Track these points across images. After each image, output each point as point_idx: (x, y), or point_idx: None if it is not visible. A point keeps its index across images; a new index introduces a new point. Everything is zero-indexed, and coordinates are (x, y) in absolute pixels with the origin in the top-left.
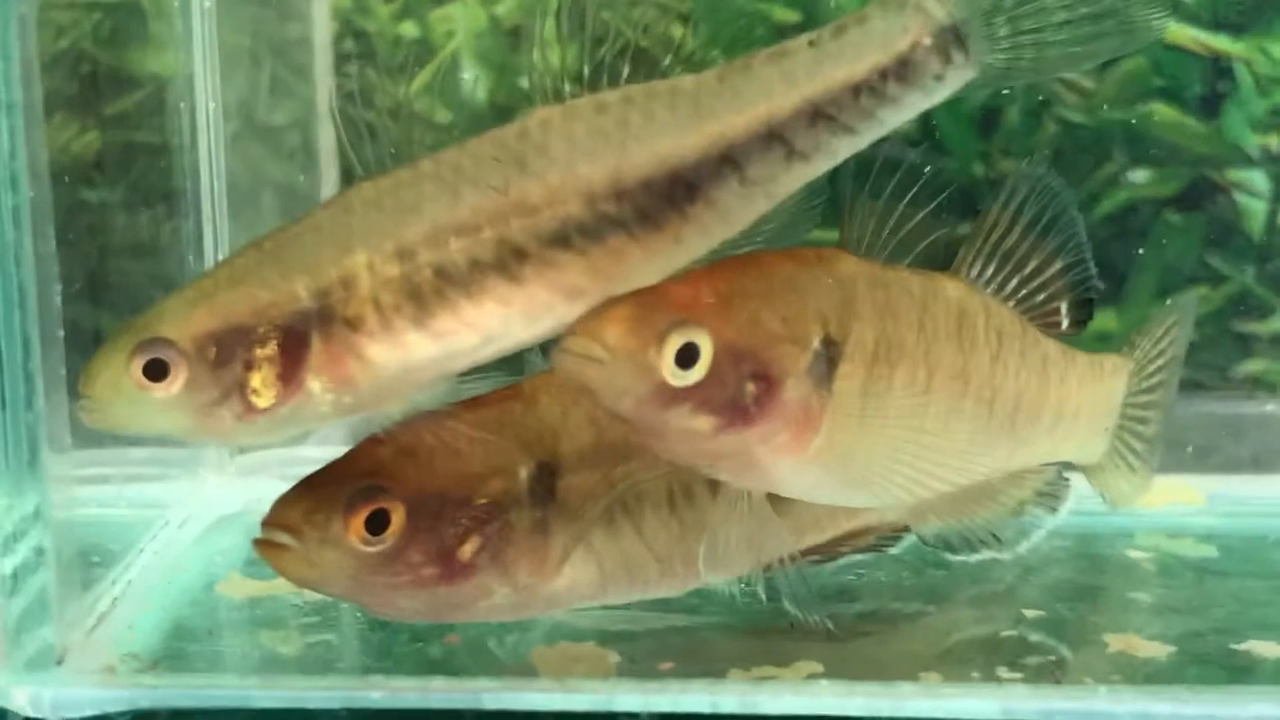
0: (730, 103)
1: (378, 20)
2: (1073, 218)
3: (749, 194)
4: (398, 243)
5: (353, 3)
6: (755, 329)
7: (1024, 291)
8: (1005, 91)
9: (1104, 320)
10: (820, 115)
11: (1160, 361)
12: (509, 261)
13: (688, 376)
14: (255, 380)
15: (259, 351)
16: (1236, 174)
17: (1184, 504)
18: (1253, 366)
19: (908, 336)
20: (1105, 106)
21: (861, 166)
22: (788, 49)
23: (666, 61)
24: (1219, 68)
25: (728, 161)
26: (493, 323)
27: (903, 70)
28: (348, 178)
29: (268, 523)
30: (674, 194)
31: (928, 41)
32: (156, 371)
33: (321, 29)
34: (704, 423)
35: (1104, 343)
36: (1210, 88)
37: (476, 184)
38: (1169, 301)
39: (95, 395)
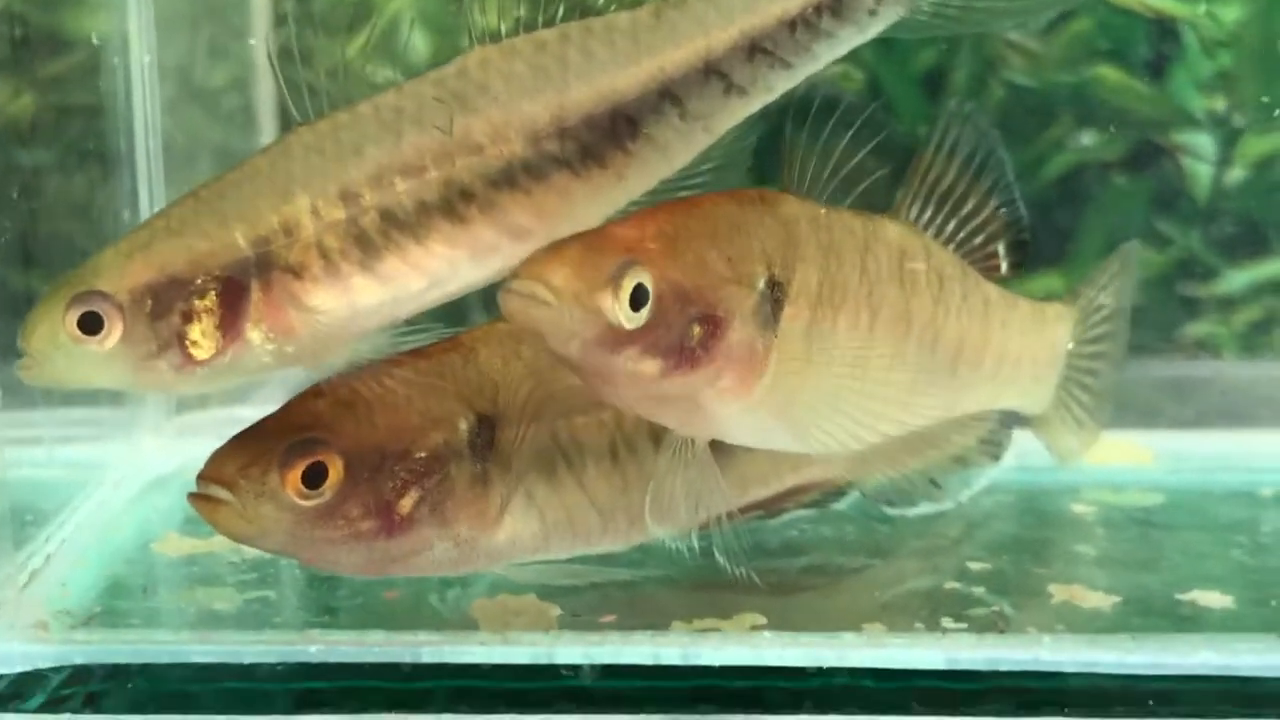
0: (668, 38)
1: None
2: (1000, 158)
3: (689, 129)
4: (340, 186)
5: None
6: (700, 269)
7: (963, 233)
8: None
9: (1050, 282)
10: (757, 49)
11: (1105, 312)
12: (454, 202)
13: (635, 318)
14: (194, 332)
15: (197, 303)
16: (1182, 137)
17: (1132, 462)
18: (1198, 329)
19: (851, 278)
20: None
21: (801, 108)
22: None
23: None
24: (1165, 30)
25: (667, 96)
26: (439, 265)
27: (837, 5)
28: None
29: (203, 477)
30: (616, 130)
31: None
32: (92, 325)
33: None
34: (651, 365)
35: None
36: (1156, 50)
37: (419, 124)
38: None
39: (33, 351)
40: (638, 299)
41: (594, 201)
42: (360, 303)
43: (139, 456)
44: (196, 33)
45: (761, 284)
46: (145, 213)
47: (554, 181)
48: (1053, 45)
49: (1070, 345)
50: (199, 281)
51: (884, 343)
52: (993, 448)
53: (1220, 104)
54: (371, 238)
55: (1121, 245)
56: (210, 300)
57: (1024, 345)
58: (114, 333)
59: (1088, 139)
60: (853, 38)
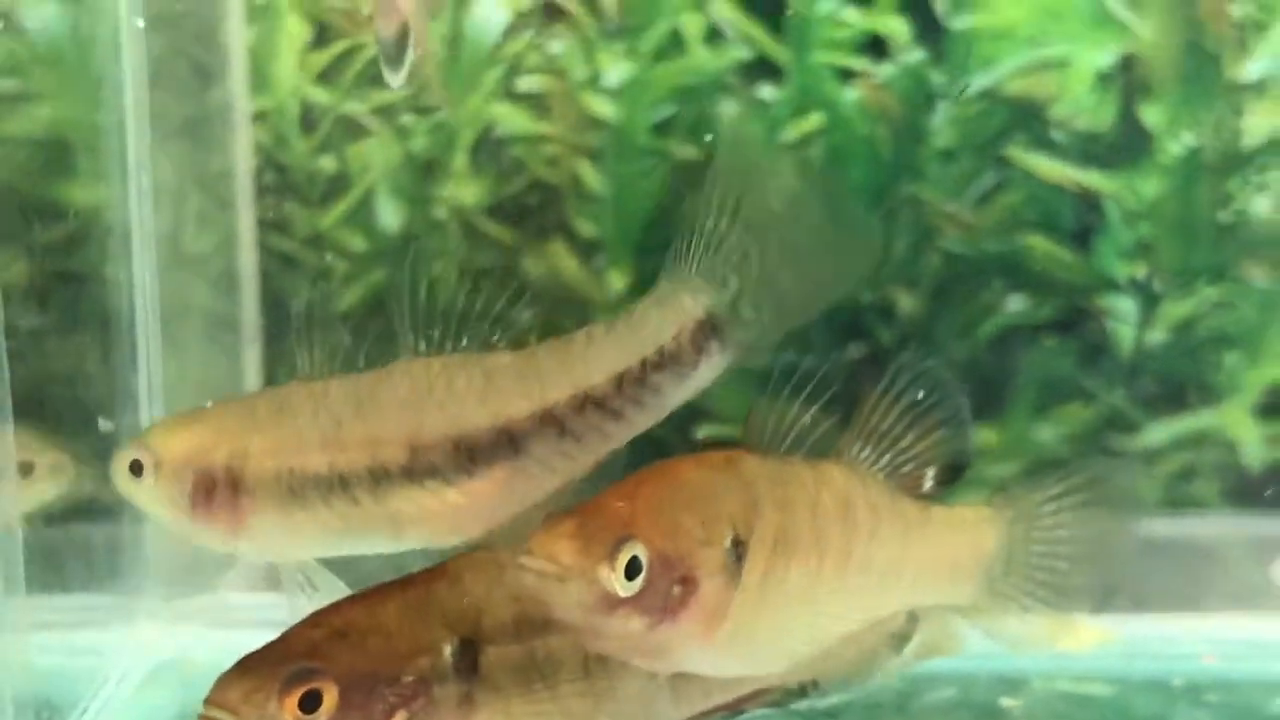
0: (513, 385)
1: (296, 154)
2: (958, 402)
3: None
4: (262, 442)
5: (273, 138)
6: (681, 537)
7: (897, 461)
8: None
9: (985, 436)
10: (589, 401)
11: (1066, 516)
12: (346, 490)
13: (631, 587)
14: (183, 504)
15: (188, 485)
16: (1106, 301)
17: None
18: None
19: (802, 527)
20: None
21: (763, 375)
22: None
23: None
24: (1089, 203)
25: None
26: (336, 537)
27: (660, 361)
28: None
29: (209, 702)
30: (460, 463)
31: (687, 334)
32: (137, 470)
33: (244, 162)
34: (638, 623)
35: (984, 457)
36: (1081, 221)
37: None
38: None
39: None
40: (632, 570)
41: (466, 516)
42: (278, 537)
43: (137, 643)
44: (185, 202)
45: (728, 543)
46: (143, 371)
47: (413, 494)
48: (985, 216)
49: (1000, 542)
50: (186, 470)
51: (829, 578)
52: (899, 641)
53: (1141, 271)
54: (280, 489)
55: (1109, 461)
56: (190, 488)
57: (938, 552)
58: (148, 481)
59: (1018, 303)
60: (676, 391)
